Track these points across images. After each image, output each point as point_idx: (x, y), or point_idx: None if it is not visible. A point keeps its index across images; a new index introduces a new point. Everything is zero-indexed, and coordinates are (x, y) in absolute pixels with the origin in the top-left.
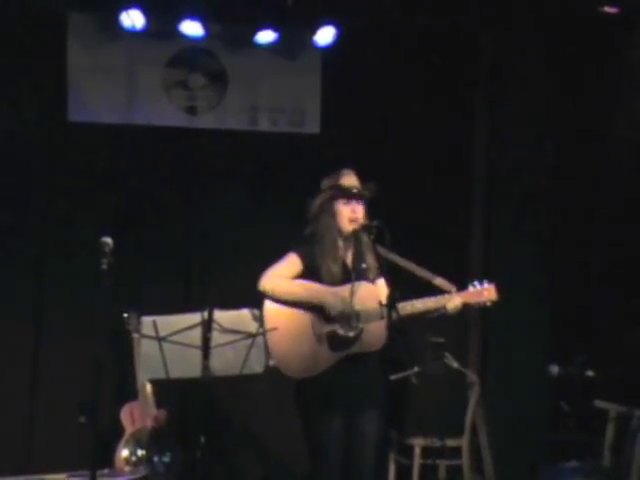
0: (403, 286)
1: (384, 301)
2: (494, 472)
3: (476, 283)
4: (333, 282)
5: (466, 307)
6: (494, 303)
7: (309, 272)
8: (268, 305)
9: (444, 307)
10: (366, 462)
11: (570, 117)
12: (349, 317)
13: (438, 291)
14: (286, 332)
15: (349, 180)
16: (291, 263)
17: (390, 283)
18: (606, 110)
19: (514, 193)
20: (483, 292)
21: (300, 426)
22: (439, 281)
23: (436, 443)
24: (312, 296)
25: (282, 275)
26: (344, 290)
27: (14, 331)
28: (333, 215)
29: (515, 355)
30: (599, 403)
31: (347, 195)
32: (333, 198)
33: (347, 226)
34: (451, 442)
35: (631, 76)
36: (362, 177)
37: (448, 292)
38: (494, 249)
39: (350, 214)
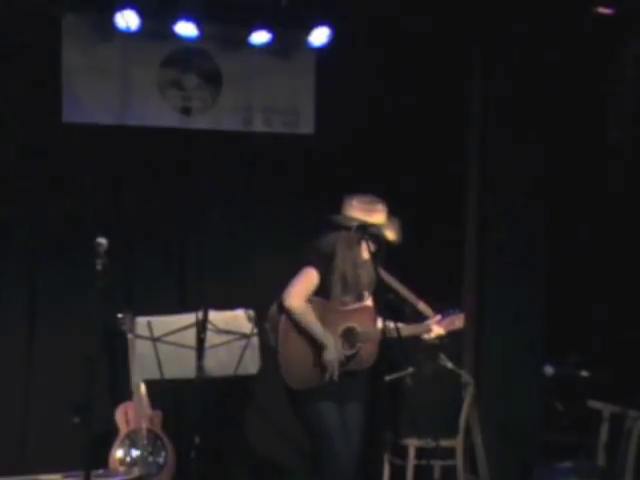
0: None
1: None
2: (488, 472)
3: (450, 310)
4: (341, 298)
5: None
6: (460, 331)
7: (322, 286)
8: (285, 319)
9: (427, 334)
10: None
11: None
12: (350, 337)
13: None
14: (296, 347)
15: (380, 218)
16: (311, 280)
17: (377, 295)
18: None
19: (509, 192)
20: (455, 321)
21: (298, 422)
22: (422, 306)
23: (430, 444)
24: (321, 339)
25: (306, 295)
26: (347, 313)
27: (8, 331)
28: (356, 244)
29: (509, 355)
30: (593, 403)
31: (371, 249)
32: (357, 237)
33: (364, 255)
34: (445, 442)
35: (625, 77)
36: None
37: (429, 317)
38: (489, 250)
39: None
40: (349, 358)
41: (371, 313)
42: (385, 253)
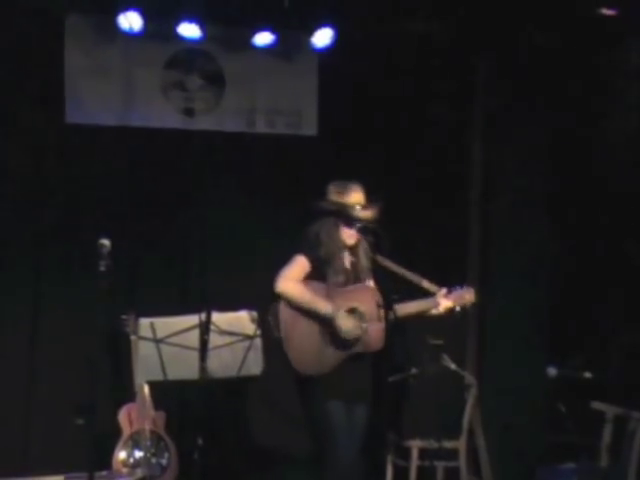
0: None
1: (381, 302)
2: (491, 474)
3: (457, 287)
4: (337, 283)
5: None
6: (474, 305)
7: (316, 273)
8: (283, 306)
9: (435, 308)
10: (357, 447)
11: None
12: (354, 318)
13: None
14: (300, 332)
15: (356, 198)
16: (301, 266)
17: (380, 284)
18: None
19: (512, 191)
20: (464, 295)
21: (307, 428)
22: (427, 284)
23: (433, 445)
24: (324, 311)
25: (296, 278)
26: (347, 294)
27: (11, 332)
28: (336, 229)
29: (512, 357)
30: (596, 405)
31: (349, 224)
32: (336, 221)
33: (348, 240)
34: (448, 444)
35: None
36: (366, 187)
37: (435, 294)
38: (492, 250)
39: (352, 232)
40: (355, 340)
41: (372, 293)
42: (375, 236)
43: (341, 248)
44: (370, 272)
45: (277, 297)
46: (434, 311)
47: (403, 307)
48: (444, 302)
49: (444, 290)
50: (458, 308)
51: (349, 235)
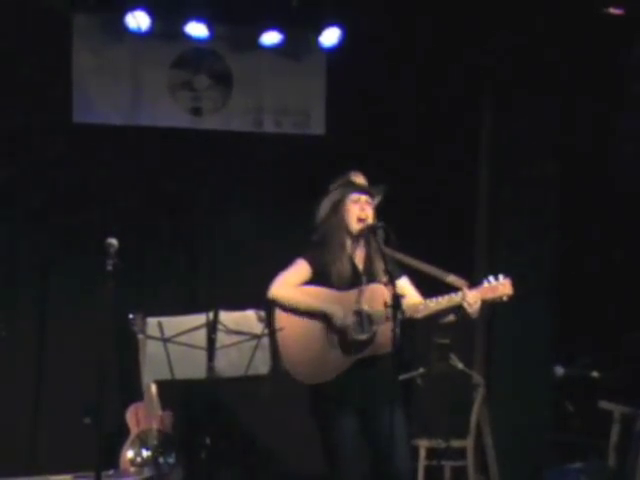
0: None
1: (389, 302)
2: (499, 473)
3: (490, 278)
4: (343, 284)
5: (482, 304)
6: (510, 298)
7: (319, 276)
8: (278, 312)
9: (464, 309)
10: (401, 462)
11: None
12: (361, 320)
13: (450, 290)
14: (297, 337)
15: (358, 180)
16: (300, 269)
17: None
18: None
19: (519, 192)
20: (498, 287)
21: (315, 430)
22: (452, 278)
23: (441, 444)
24: (320, 307)
25: (292, 283)
26: (352, 295)
27: (19, 332)
28: (342, 214)
29: (520, 356)
30: (604, 404)
31: (358, 190)
32: (344, 194)
33: (355, 225)
34: (456, 443)
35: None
36: (369, 178)
37: (461, 290)
38: (498, 250)
39: (359, 213)
40: (363, 343)
41: (380, 292)
42: (383, 230)
43: (345, 251)
44: (385, 273)
45: (271, 303)
46: (468, 308)
47: (422, 305)
48: (470, 295)
49: (467, 283)
50: (492, 302)
51: (356, 218)
